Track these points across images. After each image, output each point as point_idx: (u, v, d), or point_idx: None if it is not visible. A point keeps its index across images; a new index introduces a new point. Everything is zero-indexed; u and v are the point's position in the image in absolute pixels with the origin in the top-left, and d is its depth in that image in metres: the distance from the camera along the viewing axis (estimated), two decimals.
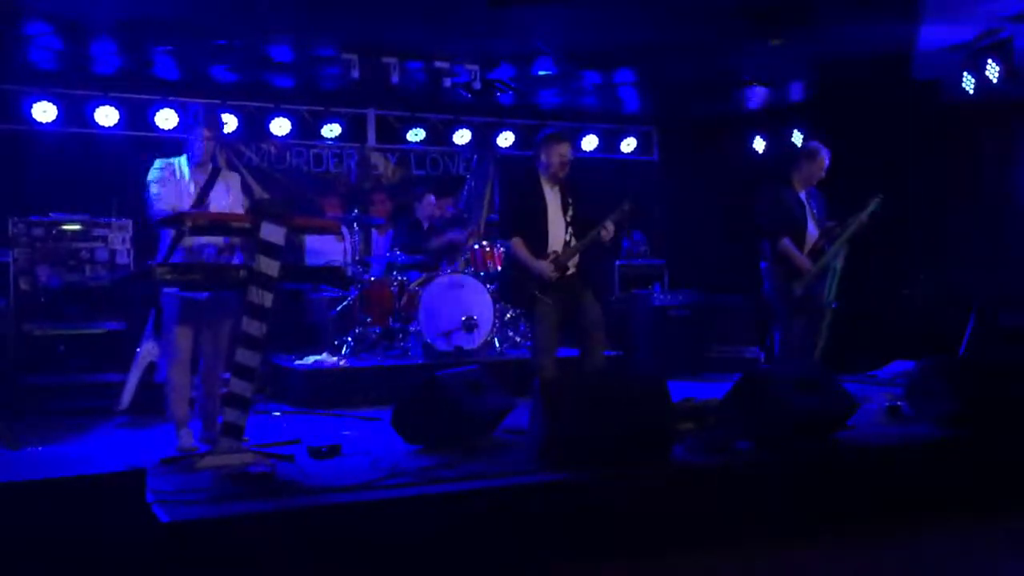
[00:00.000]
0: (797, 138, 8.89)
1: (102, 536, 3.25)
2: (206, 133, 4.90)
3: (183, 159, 4.96)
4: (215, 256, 4.84)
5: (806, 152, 6.33)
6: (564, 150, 5.36)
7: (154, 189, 4.83)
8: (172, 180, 4.87)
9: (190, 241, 4.75)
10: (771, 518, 4.23)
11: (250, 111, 8.47)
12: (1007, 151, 8.47)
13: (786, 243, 6.07)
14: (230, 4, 6.18)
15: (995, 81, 6.93)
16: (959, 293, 8.31)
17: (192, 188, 4.90)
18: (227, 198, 4.98)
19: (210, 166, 5.00)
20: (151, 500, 3.57)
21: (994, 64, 6.89)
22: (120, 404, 4.97)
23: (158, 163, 4.92)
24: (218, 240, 4.79)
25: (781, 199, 6.18)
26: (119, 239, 7.16)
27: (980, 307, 7.59)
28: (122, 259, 7.14)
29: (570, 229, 5.34)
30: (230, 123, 8.29)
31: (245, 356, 4.37)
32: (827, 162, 6.19)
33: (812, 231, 6.15)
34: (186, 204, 4.84)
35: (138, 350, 4.93)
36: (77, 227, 7.09)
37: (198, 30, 6.72)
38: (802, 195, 6.21)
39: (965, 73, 7.25)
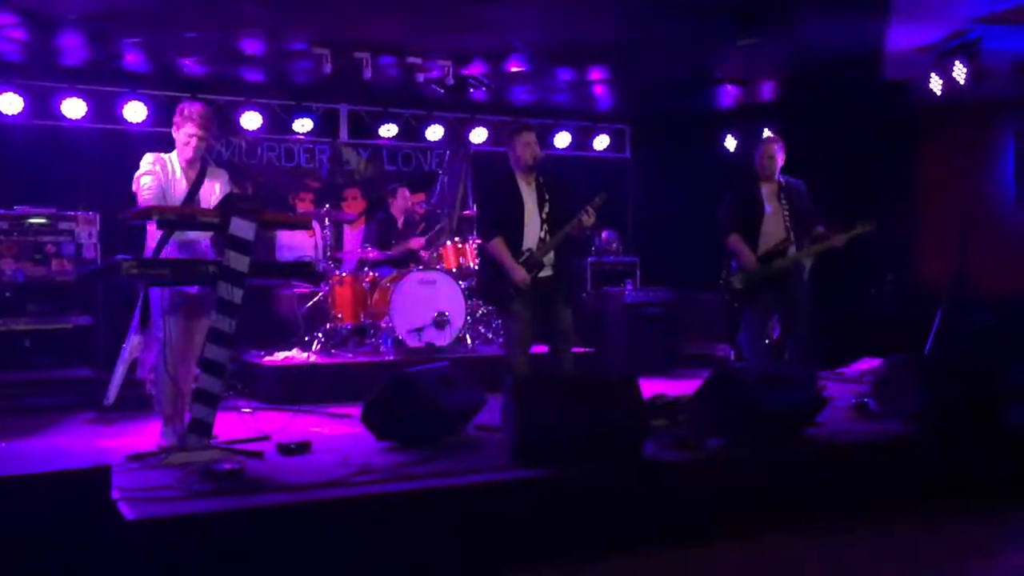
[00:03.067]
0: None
1: (67, 534, 3.21)
2: (200, 132, 4.84)
3: (174, 155, 4.90)
4: (210, 250, 4.79)
5: (758, 143, 6.41)
6: (529, 139, 5.37)
7: (145, 181, 4.76)
8: (163, 174, 4.81)
9: (184, 235, 4.69)
10: (742, 514, 4.26)
11: (220, 105, 8.38)
12: (974, 151, 8.58)
13: (733, 239, 6.18)
14: None
15: (962, 82, 7.01)
16: (926, 292, 8.42)
17: (184, 184, 4.86)
18: (216, 195, 4.93)
19: (199, 163, 4.95)
20: (116, 497, 3.53)
21: (961, 65, 6.97)
22: (106, 400, 4.90)
23: (149, 157, 4.85)
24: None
25: (737, 198, 6.26)
26: (86, 233, 7.06)
27: (946, 305, 7.68)
28: (88, 253, 7.04)
29: (545, 226, 5.34)
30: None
31: (214, 352, 4.33)
32: (777, 151, 6.21)
33: (775, 227, 6.13)
34: (178, 200, 4.79)
35: (124, 345, 4.86)
36: (43, 221, 6.99)
37: (167, 22, 6.65)
38: (764, 190, 6.23)
39: (933, 74, 7.33)
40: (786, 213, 6.12)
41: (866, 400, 5.51)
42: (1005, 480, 4.86)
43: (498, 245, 5.32)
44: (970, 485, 4.77)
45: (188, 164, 4.89)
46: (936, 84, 7.33)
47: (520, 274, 5.23)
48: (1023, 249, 7.70)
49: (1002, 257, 8.27)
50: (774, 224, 6.14)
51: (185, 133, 4.83)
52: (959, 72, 7.00)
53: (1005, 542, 4.40)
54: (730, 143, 9.60)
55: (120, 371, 4.87)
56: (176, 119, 4.87)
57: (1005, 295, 8.09)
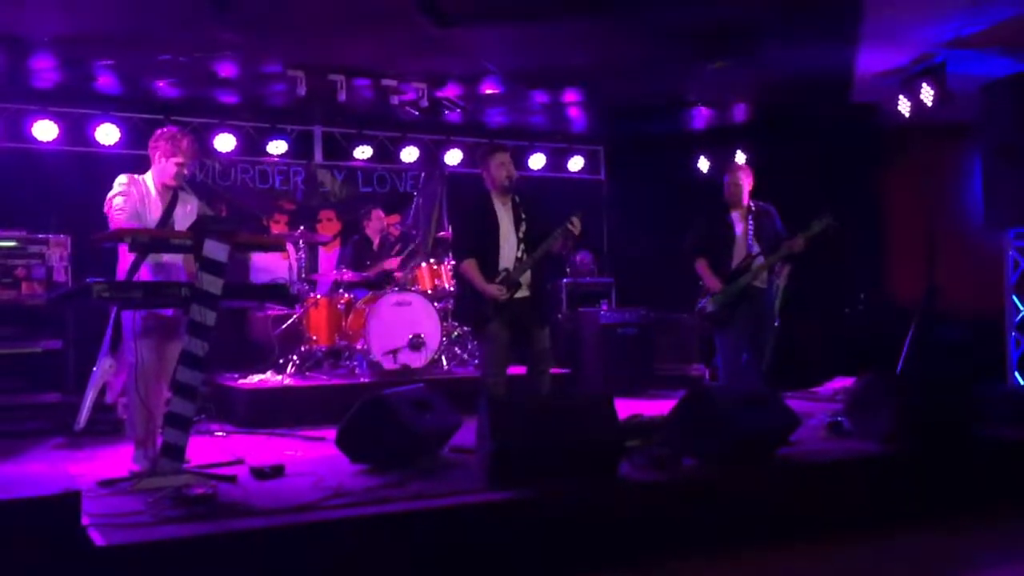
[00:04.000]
0: (740, 158, 9.05)
1: (36, 561, 3.17)
2: (189, 162, 4.86)
3: (148, 177, 4.88)
4: (184, 273, 4.78)
5: (725, 172, 6.56)
6: (504, 159, 5.39)
7: (118, 202, 4.73)
8: (138, 196, 4.79)
9: (158, 258, 4.67)
10: (717, 533, 4.27)
11: (194, 127, 8.35)
12: (942, 172, 8.72)
13: (699, 264, 6.34)
14: (174, 19, 6.11)
15: (929, 104, 7.13)
16: (897, 310, 8.52)
17: (159, 207, 4.84)
18: (190, 217, 4.92)
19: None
20: (87, 523, 3.48)
21: (928, 88, 7.10)
22: (77, 424, 4.83)
23: (122, 178, 4.82)
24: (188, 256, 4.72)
25: (705, 223, 6.42)
26: (57, 256, 6.99)
27: (918, 323, 7.77)
28: (59, 276, 6.96)
29: (522, 246, 5.35)
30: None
31: (187, 375, 4.29)
32: (742, 177, 6.36)
33: (744, 251, 6.27)
34: (152, 222, 4.77)
35: (95, 369, 4.80)
36: (13, 244, 6.90)
37: (141, 44, 6.63)
38: (733, 215, 6.34)
39: (901, 96, 7.45)
40: (752, 234, 6.28)
41: (839, 419, 5.55)
42: (978, 496, 4.91)
43: (470, 266, 5.32)
44: (943, 502, 4.81)
45: (163, 187, 4.88)
46: (904, 106, 7.45)
47: (493, 290, 5.23)
48: (991, 268, 7.80)
49: (971, 276, 8.39)
50: (743, 247, 6.30)
51: (174, 162, 4.84)
52: (926, 95, 7.12)
53: (978, 558, 4.43)
54: (703, 164, 9.70)
55: (90, 395, 4.81)
56: (163, 144, 4.85)
57: (974, 313, 8.21)
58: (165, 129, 5.01)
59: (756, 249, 6.21)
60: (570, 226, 5.22)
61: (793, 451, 4.97)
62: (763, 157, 7.15)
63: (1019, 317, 7.51)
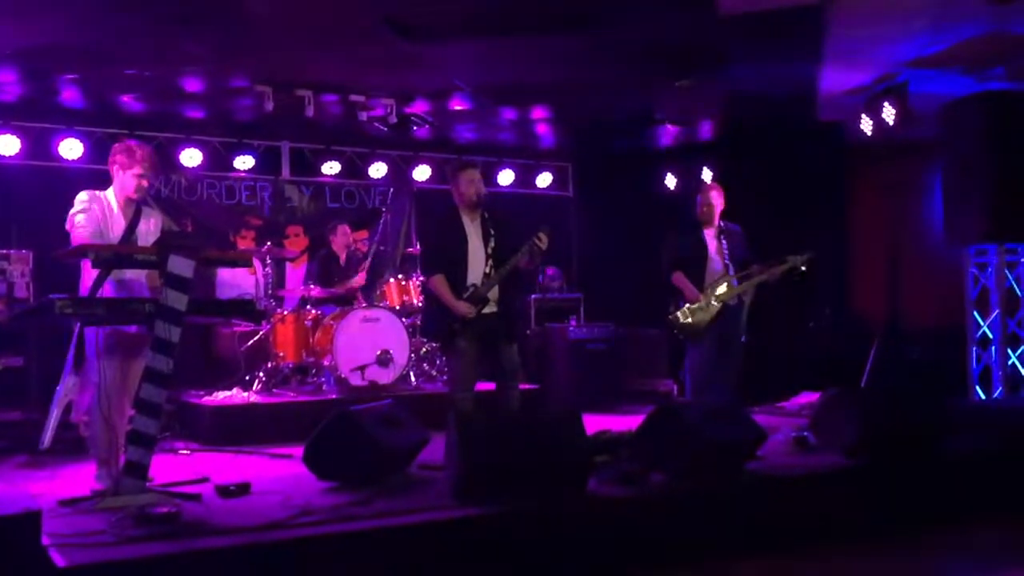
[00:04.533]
0: (707, 175, 9.14)
1: None
2: (149, 174, 4.80)
3: (110, 193, 4.82)
4: (147, 290, 4.72)
5: (697, 192, 6.73)
6: (472, 175, 5.39)
7: (80, 219, 4.67)
8: (100, 212, 4.73)
9: (121, 274, 4.61)
10: (685, 547, 4.28)
11: (160, 142, 8.29)
12: (903, 189, 8.86)
13: (677, 276, 6.44)
14: (139, 33, 6.07)
15: (891, 123, 7.25)
16: (861, 326, 8.62)
17: (122, 222, 4.78)
18: (153, 232, 4.87)
19: (135, 201, 4.88)
20: (47, 543, 3.42)
21: (890, 107, 7.22)
22: (41, 443, 4.74)
23: (84, 195, 4.75)
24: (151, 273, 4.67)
25: (679, 238, 6.55)
26: (18, 272, 6.89)
27: (881, 339, 7.88)
28: (21, 292, 6.86)
29: (490, 261, 5.35)
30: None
31: (150, 392, 4.23)
32: (714, 197, 6.53)
33: (717, 267, 6.43)
34: (115, 238, 4.71)
35: (59, 387, 4.72)
36: None
37: (106, 58, 6.58)
38: (706, 233, 6.47)
39: (863, 115, 7.57)
40: (725, 252, 6.45)
41: (805, 433, 5.60)
42: (942, 509, 4.97)
43: (438, 282, 5.31)
44: (908, 515, 4.87)
45: (126, 202, 4.82)
46: (867, 125, 7.57)
47: (462, 307, 5.23)
48: (951, 283, 7.94)
49: (933, 291, 8.52)
50: (717, 264, 6.45)
51: (133, 175, 4.77)
52: (888, 113, 7.24)
53: (944, 571, 4.48)
54: (670, 181, 9.78)
55: (55, 413, 4.72)
56: (120, 158, 4.80)
57: (935, 328, 8.33)
58: (121, 143, 4.95)
59: (731, 268, 6.36)
60: (537, 241, 5.24)
61: (760, 465, 5.00)
62: (729, 174, 7.23)
63: (980, 332, 7.63)
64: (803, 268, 6.26)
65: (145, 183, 4.82)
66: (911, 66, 6.87)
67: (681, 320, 6.37)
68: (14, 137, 7.70)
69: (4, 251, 6.95)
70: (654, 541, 4.26)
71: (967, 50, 6.47)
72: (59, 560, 3.32)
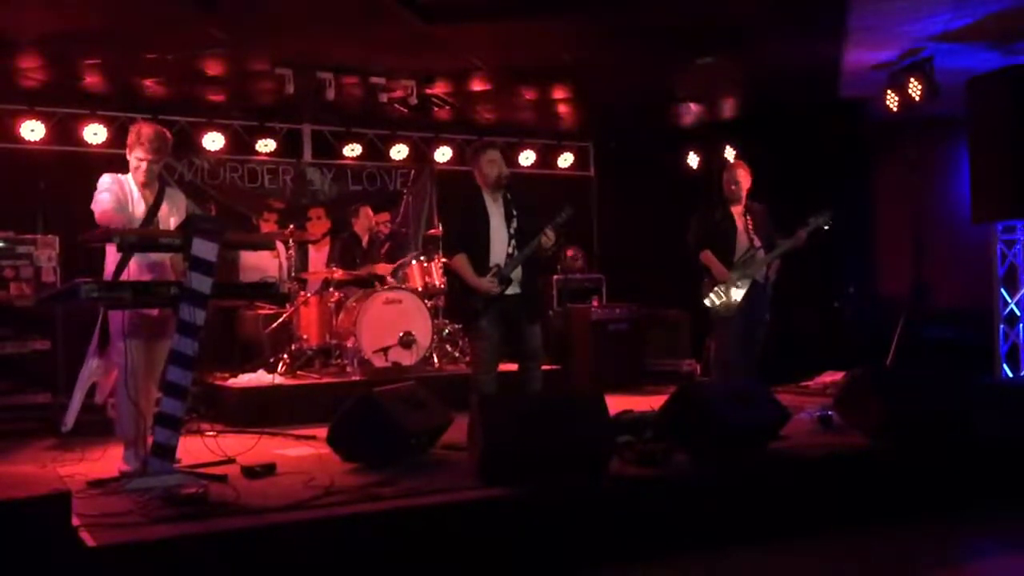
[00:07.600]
0: (730, 154, 9.06)
1: (27, 562, 3.15)
2: (151, 156, 4.79)
3: (131, 176, 4.85)
4: (169, 270, 4.75)
5: (723, 167, 6.66)
6: (495, 156, 5.39)
7: (104, 198, 4.68)
8: (122, 196, 4.76)
9: (147, 256, 4.64)
10: (707, 528, 4.28)
11: (182, 126, 8.33)
12: (929, 166, 8.75)
13: (705, 254, 6.38)
14: (161, 17, 6.08)
15: (917, 99, 7.15)
16: (887, 305, 8.55)
17: (143, 206, 4.81)
18: (175, 215, 4.89)
19: (156, 184, 4.91)
20: (77, 524, 3.47)
21: (916, 82, 7.12)
22: (64, 425, 4.80)
23: (106, 178, 4.78)
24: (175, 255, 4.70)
25: (707, 216, 6.49)
26: (45, 256, 6.96)
27: (907, 318, 7.81)
28: (48, 276, 6.93)
29: (513, 241, 5.34)
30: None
31: (176, 374, 4.28)
32: (741, 175, 6.45)
33: (744, 244, 6.36)
34: (137, 221, 4.75)
35: (83, 369, 4.78)
36: (0, 244, 6.88)
37: (128, 43, 6.60)
38: (734, 210, 6.43)
39: (889, 91, 7.47)
40: (751, 230, 6.38)
41: (829, 413, 5.57)
42: (967, 490, 4.93)
43: (460, 261, 5.31)
44: (931, 497, 4.84)
45: (144, 186, 4.84)
46: (892, 101, 7.47)
47: (485, 284, 5.22)
48: (978, 262, 7.84)
49: (960, 269, 8.43)
50: (744, 241, 6.39)
51: (135, 157, 4.79)
52: (914, 89, 7.15)
53: (967, 552, 4.46)
54: (692, 160, 9.71)
55: (78, 396, 4.78)
56: (128, 140, 4.83)
57: (962, 307, 8.24)
58: (132, 126, 4.96)
59: (757, 243, 6.30)
60: (559, 221, 5.24)
61: (783, 445, 4.98)
62: (752, 152, 7.16)
63: (1007, 310, 7.55)
64: (826, 227, 6.17)
65: (152, 165, 4.80)
66: (936, 40, 6.77)
67: (717, 301, 6.31)
68: (39, 122, 7.77)
69: (31, 236, 7.02)
70: (677, 521, 4.25)
71: (993, 24, 6.36)
72: (90, 540, 3.37)
